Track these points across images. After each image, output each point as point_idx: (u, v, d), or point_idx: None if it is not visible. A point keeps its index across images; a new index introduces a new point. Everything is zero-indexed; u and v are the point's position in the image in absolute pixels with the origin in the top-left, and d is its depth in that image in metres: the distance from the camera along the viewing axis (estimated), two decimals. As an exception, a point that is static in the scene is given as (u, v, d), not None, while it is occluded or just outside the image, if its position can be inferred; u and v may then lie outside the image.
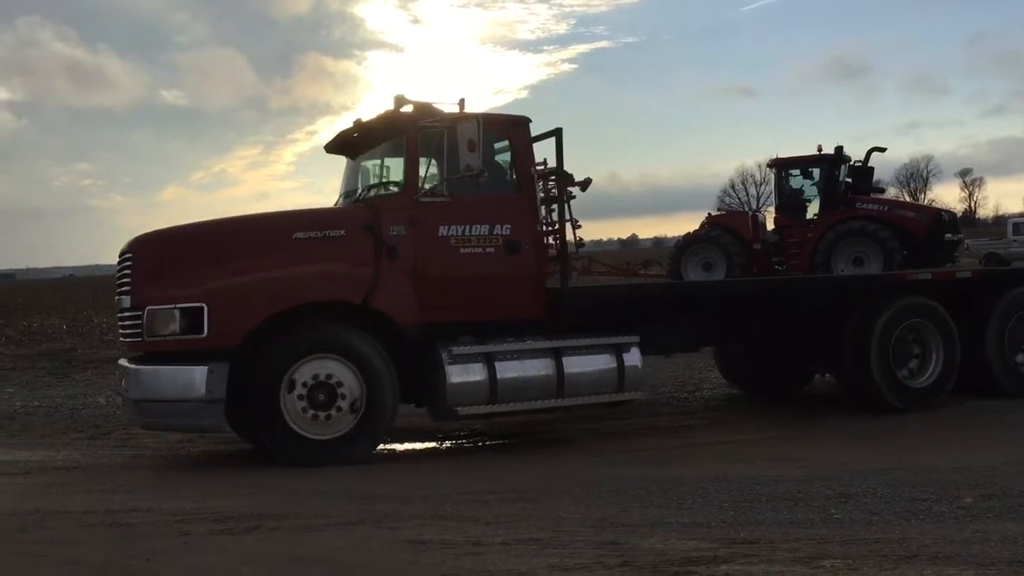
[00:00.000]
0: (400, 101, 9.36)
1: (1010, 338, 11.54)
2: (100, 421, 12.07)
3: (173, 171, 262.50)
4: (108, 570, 5.29)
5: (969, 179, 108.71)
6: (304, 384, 8.49)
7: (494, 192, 9.43)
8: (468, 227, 9.23)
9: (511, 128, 9.67)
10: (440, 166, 9.24)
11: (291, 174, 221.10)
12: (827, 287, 12.30)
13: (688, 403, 12.69)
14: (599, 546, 5.48)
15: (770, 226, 19.87)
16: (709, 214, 20.68)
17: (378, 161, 10.07)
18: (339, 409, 8.57)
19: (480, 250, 9.28)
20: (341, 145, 10.50)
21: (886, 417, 10.42)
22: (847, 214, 17.90)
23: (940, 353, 10.99)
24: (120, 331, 9.19)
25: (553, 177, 10.28)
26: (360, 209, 9.38)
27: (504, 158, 9.77)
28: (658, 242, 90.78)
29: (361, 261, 8.92)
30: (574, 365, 9.40)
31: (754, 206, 73.93)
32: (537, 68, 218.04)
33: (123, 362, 9.15)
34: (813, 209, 18.99)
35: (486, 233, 9.30)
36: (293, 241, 8.95)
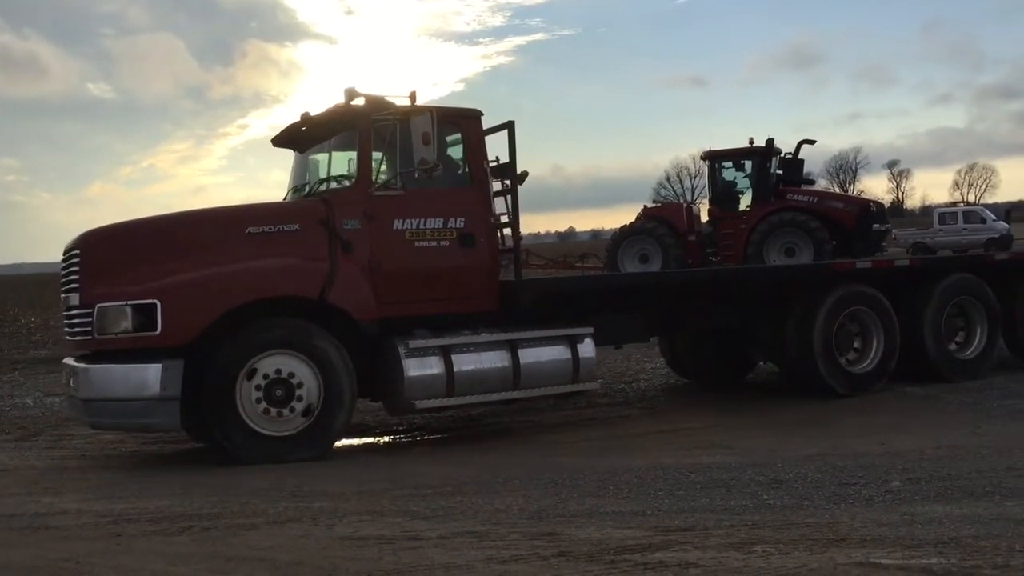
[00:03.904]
0: (351, 94, 9.29)
1: (946, 325, 11.86)
2: (27, 423, 11.78)
3: (101, 166, 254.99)
4: (37, 573, 5.15)
5: (896, 170, 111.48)
6: (264, 376, 8.37)
7: (447, 185, 9.43)
8: (422, 220, 9.22)
9: (463, 121, 9.65)
10: (393, 159, 9.19)
11: (224, 168, 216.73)
12: (770, 276, 12.73)
13: (625, 394, 12.81)
14: (536, 537, 5.50)
15: (704, 218, 20.17)
16: (645, 206, 20.94)
17: (328, 155, 9.97)
18: (296, 405, 8.45)
19: (435, 243, 9.27)
20: (289, 139, 10.38)
21: (819, 404, 10.65)
22: (778, 206, 18.25)
23: (880, 339, 11.27)
24: (67, 329, 8.96)
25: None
26: (314, 203, 9.29)
27: (456, 151, 9.74)
28: (595, 235, 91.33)
29: (316, 256, 8.85)
30: (530, 357, 9.47)
31: (689, 198, 74.97)
32: (473, 60, 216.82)
33: (69, 361, 8.93)
34: (745, 201, 19.33)
35: (440, 226, 9.30)
36: (247, 236, 8.83)
